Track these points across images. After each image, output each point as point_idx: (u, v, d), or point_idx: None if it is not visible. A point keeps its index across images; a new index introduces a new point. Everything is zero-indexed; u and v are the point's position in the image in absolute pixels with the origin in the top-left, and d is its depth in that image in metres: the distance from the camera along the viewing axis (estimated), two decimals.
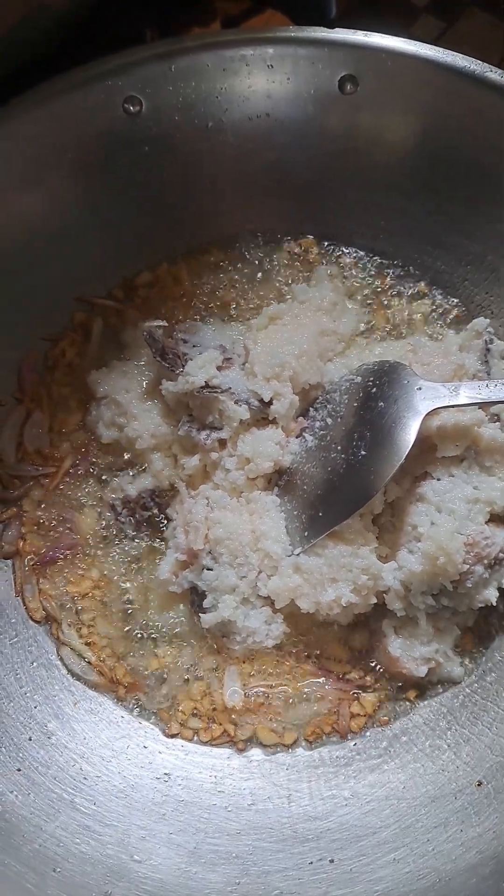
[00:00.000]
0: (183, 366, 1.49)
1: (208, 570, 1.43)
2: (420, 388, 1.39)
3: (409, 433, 1.35)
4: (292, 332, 1.54)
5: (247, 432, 1.49)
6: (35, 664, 1.43)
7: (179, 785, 1.36)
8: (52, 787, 1.30)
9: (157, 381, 1.54)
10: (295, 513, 1.44)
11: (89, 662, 1.46)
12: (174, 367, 1.50)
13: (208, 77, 1.51)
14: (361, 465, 1.39)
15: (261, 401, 1.49)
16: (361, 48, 1.48)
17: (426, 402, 1.37)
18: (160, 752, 1.40)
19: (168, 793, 1.35)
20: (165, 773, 1.37)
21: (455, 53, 1.46)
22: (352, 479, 1.39)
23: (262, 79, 1.53)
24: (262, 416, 1.50)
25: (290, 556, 1.40)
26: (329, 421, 1.48)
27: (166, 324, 1.53)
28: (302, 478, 1.46)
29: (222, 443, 1.50)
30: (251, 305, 1.67)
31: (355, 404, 1.45)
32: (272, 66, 1.51)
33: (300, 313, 1.58)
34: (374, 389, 1.43)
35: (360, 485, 1.37)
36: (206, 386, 1.47)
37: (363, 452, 1.39)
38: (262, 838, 1.29)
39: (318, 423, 1.50)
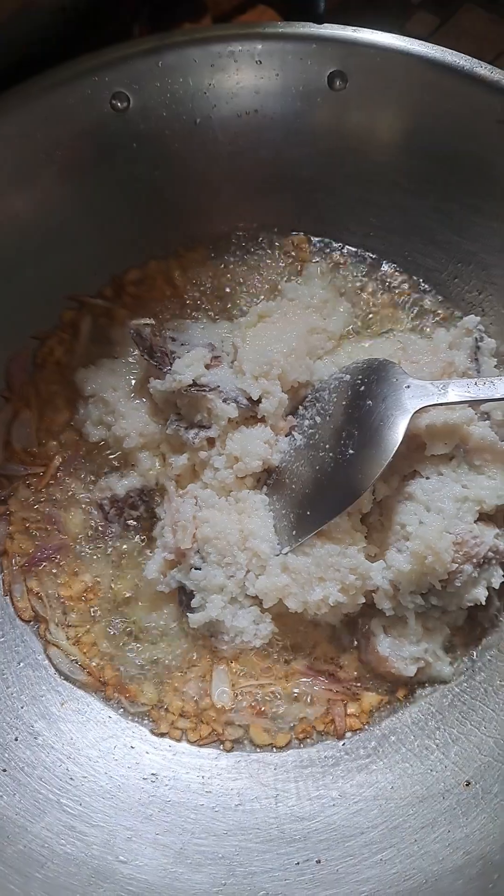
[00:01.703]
0: (171, 364, 1.48)
1: (196, 569, 1.42)
2: (409, 387, 1.38)
3: (397, 432, 1.34)
4: (281, 330, 1.53)
5: (235, 431, 1.48)
6: (22, 664, 1.42)
7: (166, 785, 1.35)
8: (38, 787, 1.29)
9: (146, 379, 1.53)
10: (283, 512, 1.43)
11: (77, 662, 1.45)
12: (162, 365, 1.49)
13: (196, 73, 1.50)
14: (349, 463, 1.38)
15: (249, 399, 1.48)
16: (350, 44, 1.47)
17: (414, 401, 1.36)
18: (147, 753, 1.39)
19: (155, 793, 1.34)
20: (153, 774, 1.37)
21: (445, 49, 1.45)
22: (339, 477, 1.38)
23: (250, 75, 1.52)
24: (250, 414, 1.49)
25: (278, 555, 1.39)
26: (318, 419, 1.47)
27: (154, 321, 1.52)
28: (290, 477, 1.46)
29: (211, 441, 1.49)
30: (241, 303, 1.66)
31: (344, 403, 1.44)
32: (261, 62, 1.50)
33: (289, 311, 1.58)
34: (363, 388, 1.43)
35: (347, 483, 1.36)
36: (195, 384, 1.46)
37: (351, 451, 1.38)
38: (249, 839, 1.28)
39: (306, 422, 1.49)
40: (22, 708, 1.38)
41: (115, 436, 1.53)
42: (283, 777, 1.36)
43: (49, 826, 1.24)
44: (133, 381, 1.57)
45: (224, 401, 1.47)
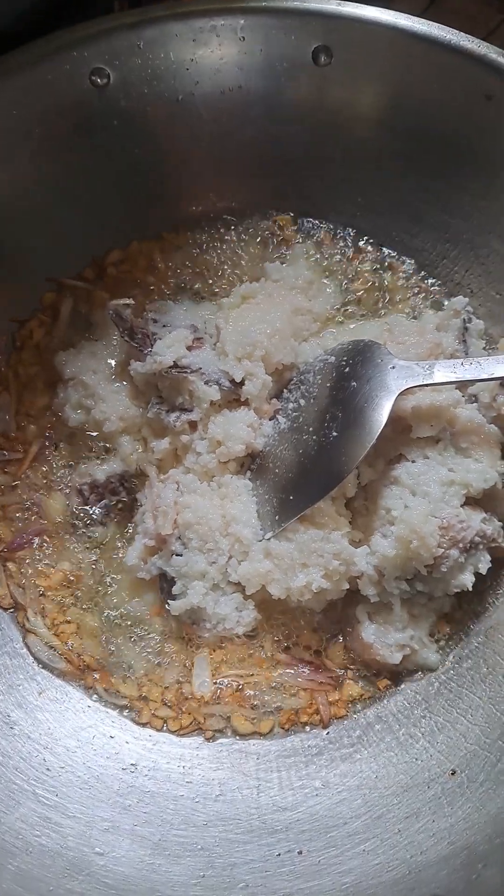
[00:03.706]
0: (151, 345, 1.45)
1: (177, 555, 1.39)
2: (394, 367, 1.35)
3: (382, 413, 1.31)
4: (265, 311, 1.50)
5: (218, 414, 1.45)
6: None
7: (146, 776, 1.32)
8: (13, 777, 1.26)
9: (126, 361, 1.50)
10: (266, 497, 1.40)
11: (56, 651, 1.42)
12: (143, 346, 1.45)
13: (178, 48, 1.47)
14: (333, 446, 1.35)
15: (232, 381, 1.44)
16: (334, 18, 1.44)
17: (399, 381, 1.33)
18: (127, 743, 1.36)
19: (134, 783, 1.31)
20: (132, 764, 1.33)
21: (431, 23, 1.42)
22: (323, 461, 1.35)
23: (233, 50, 1.48)
24: (233, 397, 1.46)
25: (260, 540, 1.36)
26: (302, 402, 1.44)
27: (134, 302, 1.49)
28: (274, 461, 1.42)
29: (193, 425, 1.45)
30: (224, 284, 1.63)
31: (328, 385, 1.41)
32: (244, 38, 1.47)
33: (274, 292, 1.55)
34: (348, 369, 1.39)
35: (331, 467, 1.33)
36: (176, 366, 1.43)
37: (335, 433, 1.35)
38: (230, 829, 1.25)
39: (290, 405, 1.46)
40: None
41: (94, 419, 1.50)
42: (265, 767, 1.33)
43: (23, 817, 1.21)
44: (113, 364, 1.54)
45: (206, 383, 1.44)
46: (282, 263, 1.62)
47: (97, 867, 1.18)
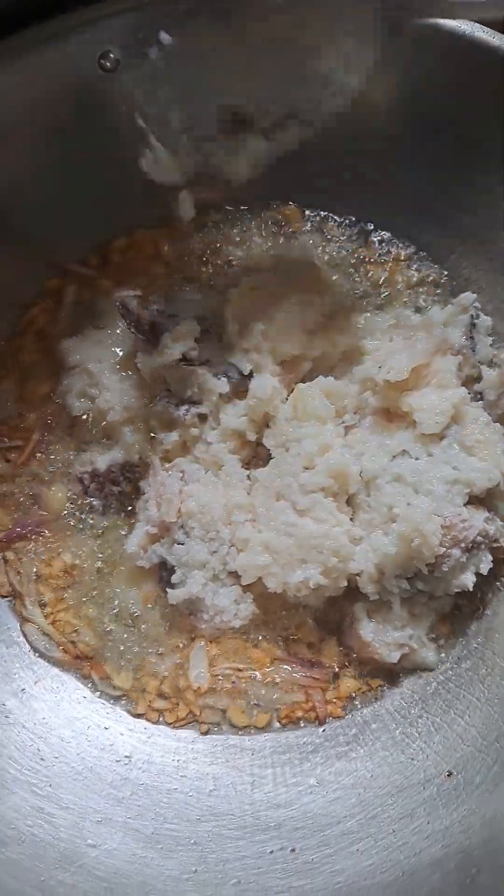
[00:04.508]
0: (159, 338, 1.43)
1: (179, 544, 1.38)
2: None
3: None
4: (272, 303, 1.48)
5: (228, 404, 1.44)
6: None
7: (140, 768, 1.32)
8: (7, 766, 1.26)
9: (133, 353, 1.48)
10: None
11: (53, 640, 1.41)
12: (150, 339, 1.44)
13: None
14: None
15: (240, 373, 1.43)
16: None
17: None
18: (122, 735, 1.36)
19: (128, 776, 1.31)
20: (126, 756, 1.33)
21: None
22: None
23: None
24: (242, 388, 1.44)
25: None
26: None
27: (141, 293, 1.47)
28: None
29: (202, 417, 1.44)
30: (230, 274, 1.60)
31: None
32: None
33: (281, 283, 1.52)
34: None
35: None
36: (184, 359, 1.41)
37: None
38: (223, 825, 1.25)
39: None
40: None
41: (98, 409, 1.49)
42: (259, 762, 1.33)
43: (16, 807, 1.21)
44: (120, 353, 1.52)
45: (215, 375, 1.42)
46: (290, 254, 1.60)
47: (89, 859, 1.18)
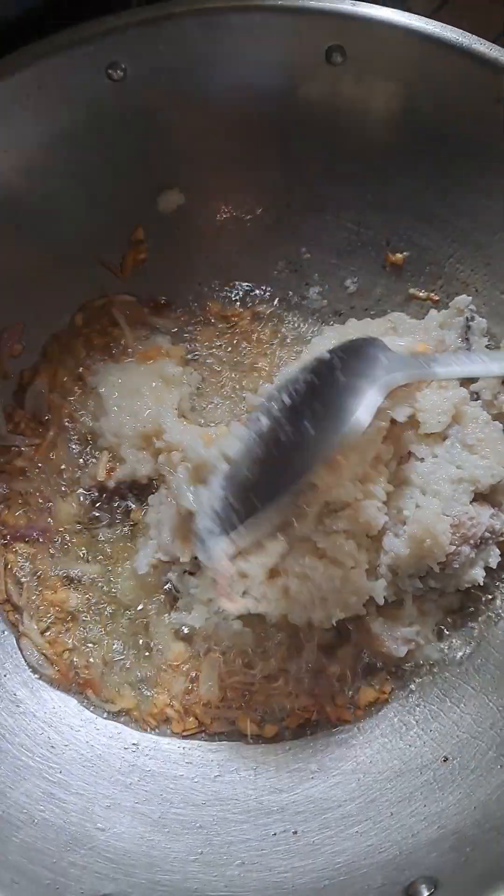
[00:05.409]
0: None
1: (190, 574, 1.41)
2: (386, 359, 1.29)
3: (360, 400, 1.23)
4: None
5: None
6: (6, 632, 1.43)
7: (147, 755, 1.36)
8: (19, 754, 1.29)
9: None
10: (229, 499, 1.27)
11: (48, 658, 1.42)
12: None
13: (194, 44, 1.49)
14: (305, 441, 1.23)
15: None
16: (349, 18, 1.45)
17: (389, 372, 1.27)
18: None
19: (135, 762, 1.35)
20: (133, 744, 1.37)
21: (445, 25, 1.43)
22: (292, 457, 1.25)
23: (248, 47, 1.50)
24: None
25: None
26: (287, 400, 1.29)
27: None
28: (248, 463, 1.30)
29: None
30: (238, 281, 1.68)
31: (316, 381, 1.30)
32: (258, 35, 1.49)
33: None
34: (340, 364, 1.30)
35: (297, 462, 1.24)
36: None
37: (310, 428, 1.23)
38: (227, 809, 1.29)
39: (275, 404, 1.31)
40: (5, 676, 1.38)
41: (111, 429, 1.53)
42: (262, 749, 1.37)
43: (28, 792, 1.25)
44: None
45: None
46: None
47: (99, 842, 1.21)
